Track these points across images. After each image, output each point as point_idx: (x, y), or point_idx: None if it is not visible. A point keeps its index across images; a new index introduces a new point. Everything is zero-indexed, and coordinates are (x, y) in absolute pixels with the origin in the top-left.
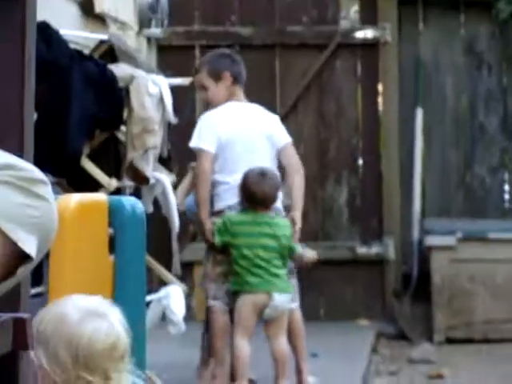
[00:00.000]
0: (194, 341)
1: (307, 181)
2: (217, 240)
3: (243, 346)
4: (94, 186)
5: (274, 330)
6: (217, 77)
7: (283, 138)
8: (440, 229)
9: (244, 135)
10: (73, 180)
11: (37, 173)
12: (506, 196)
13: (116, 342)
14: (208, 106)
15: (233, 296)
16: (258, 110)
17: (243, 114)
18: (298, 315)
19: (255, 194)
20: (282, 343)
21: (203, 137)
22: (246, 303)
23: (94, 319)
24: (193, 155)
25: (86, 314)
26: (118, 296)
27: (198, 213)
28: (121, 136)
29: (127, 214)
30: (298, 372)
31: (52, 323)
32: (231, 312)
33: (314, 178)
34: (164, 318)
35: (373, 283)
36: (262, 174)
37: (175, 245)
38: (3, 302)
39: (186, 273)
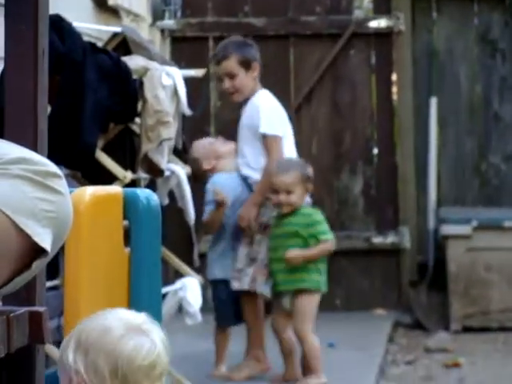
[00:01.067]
0: (210, 332)
1: (323, 171)
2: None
3: (316, 340)
4: (108, 178)
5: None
6: (247, 66)
7: None
8: (455, 218)
9: (289, 124)
10: (87, 173)
11: (51, 166)
12: None
13: (155, 361)
14: (231, 95)
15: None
16: None
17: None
18: None
19: None
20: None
21: (274, 123)
22: (317, 301)
23: (136, 336)
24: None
25: (129, 329)
26: (134, 288)
27: (255, 196)
28: (135, 128)
29: (142, 206)
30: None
31: (95, 334)
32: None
33: (329, 168)
34: (180, 309)
35: (389, 273)
36: None
37: (194, 236)
38: (19, 295)
39: (203, 264)
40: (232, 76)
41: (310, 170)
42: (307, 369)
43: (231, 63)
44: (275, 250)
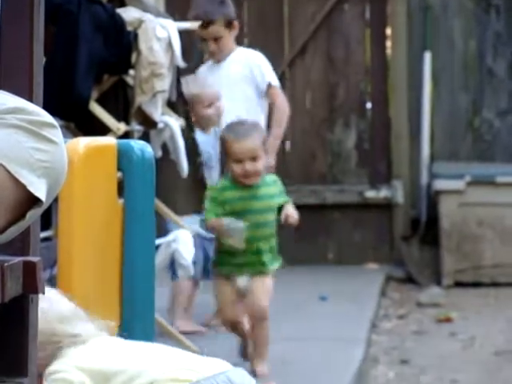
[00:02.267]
0: (201, 285)
1: (316, 124)
2: None
3: None
4: (102, 130)
5: None
6: (231, 26)
7: None
8: (448, 173)
9: None
10: (81, 124)
11: (46, 116)
12: None
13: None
14: (213, 55)
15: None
16: None
17: None
18: None
19: None
20: None
21: (274, 75)
22: None
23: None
24: None
25: None
26: (127, 240)
27: (276, 144)
28: (129, 80)
29: (136, 157)
30: None
31: None
32: None
33: (323, 121)
34: (173, 262)
35: (381, 227)
36: None
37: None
38: (13, 245)
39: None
40: (217, 38)
41: (263, 129)
42: (257, 354)
43: (217, 27)
44: (257, 227)
